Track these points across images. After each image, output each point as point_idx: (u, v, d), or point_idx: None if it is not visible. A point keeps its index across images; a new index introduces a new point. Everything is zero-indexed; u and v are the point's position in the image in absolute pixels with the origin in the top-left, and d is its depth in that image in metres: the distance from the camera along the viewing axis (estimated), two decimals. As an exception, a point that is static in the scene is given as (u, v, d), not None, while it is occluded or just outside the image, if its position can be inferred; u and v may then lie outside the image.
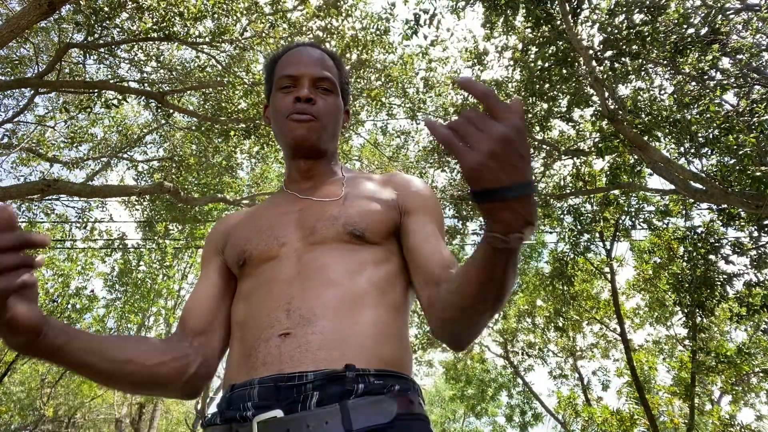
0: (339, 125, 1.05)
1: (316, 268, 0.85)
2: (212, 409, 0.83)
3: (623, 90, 6.48)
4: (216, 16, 6.23)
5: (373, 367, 0.75)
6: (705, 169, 5.79)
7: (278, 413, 0.70)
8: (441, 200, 7.89)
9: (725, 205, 5.99)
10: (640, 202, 8.08)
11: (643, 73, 6.03)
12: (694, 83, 5.74)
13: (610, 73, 5.80)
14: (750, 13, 5.62)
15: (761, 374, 9.63)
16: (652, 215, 8.00)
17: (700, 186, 5.27)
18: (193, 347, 0.88)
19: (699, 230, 6.95)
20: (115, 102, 6.80)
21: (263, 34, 6.84)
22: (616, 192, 7.76)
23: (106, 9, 5.77)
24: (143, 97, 7.76)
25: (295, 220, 0.94)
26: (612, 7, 5.91)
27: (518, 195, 0.54)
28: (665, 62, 5.76)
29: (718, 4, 5.32)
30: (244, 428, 0.72)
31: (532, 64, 6.45)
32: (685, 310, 7.39)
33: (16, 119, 9.22)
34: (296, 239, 0.91)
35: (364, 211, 0.92)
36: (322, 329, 0.77)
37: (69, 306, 12.06)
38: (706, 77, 5.58)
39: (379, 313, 0.82)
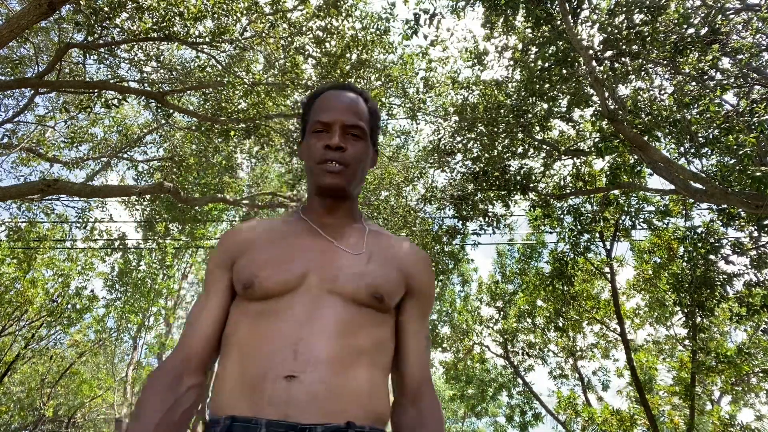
0: (366, 169, 1.10)
1: (328, 317, 0.89)
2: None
3: (623, 90, 6.48)
4: (216, 16, 6.22)
5: (368, 425, 0.85)
6: (705, 169, 5.79)
7: None
8: (441, 200, 7.88)
9: (725, 205, 5.98)
10: (640, 202, 8.07)
11: (643, 73, 6.02)
12: (694, 83, 5.73)
13: (610, 73, 5.80)
14: (750, 13, 5.61)
15: (761, 374, 9.62)
16: (652, 215, 7.99)
17: (700, 186, 5.26)
18: (200, 386, 0.96)
19: (699, 230, 6.95)
20: (115, 102, 6.79)
21: (263, 34, 6.84)
22: (616, 192, 7.75)
23: (106, 9, 5.76)
24: (143, 97, 7.76)
25: (316, 260, 0.97)
26: (612, 7, 5.91)
27: None
28: (665, 62, 5.76)
29: (718, 4, 5.32)
30: None
31: (532, 64, 6.44)
32: (685, 310, 7.39)
33: (16, 119, 9.22)
34: (315, 281, 0.94)
35: (386, 278, 0.98)
36: (326, 379, 0.83)
37: (69, 306, 12.06)
38: (706, 77, 5.57)
39: (375, 373, 0.91)
